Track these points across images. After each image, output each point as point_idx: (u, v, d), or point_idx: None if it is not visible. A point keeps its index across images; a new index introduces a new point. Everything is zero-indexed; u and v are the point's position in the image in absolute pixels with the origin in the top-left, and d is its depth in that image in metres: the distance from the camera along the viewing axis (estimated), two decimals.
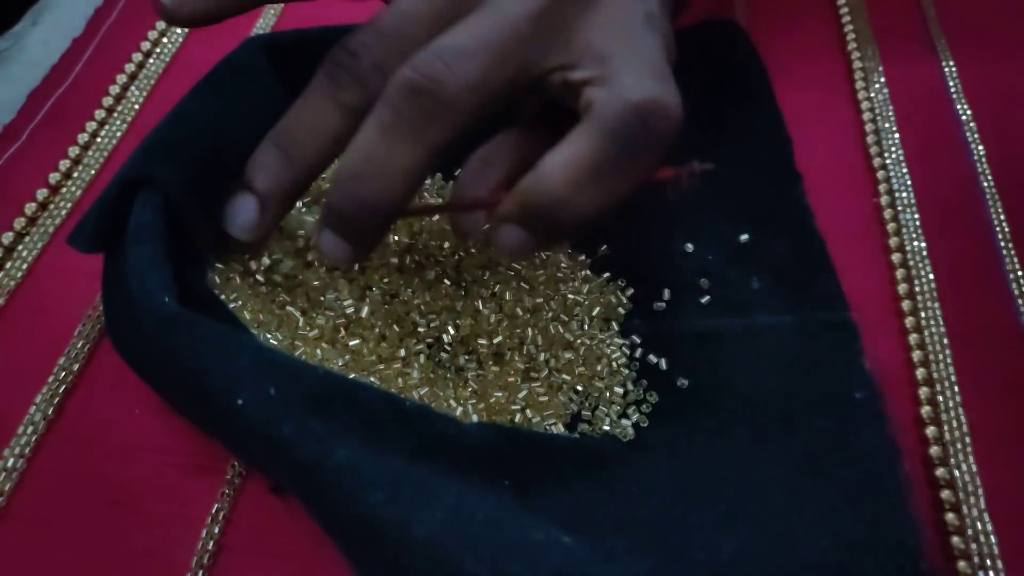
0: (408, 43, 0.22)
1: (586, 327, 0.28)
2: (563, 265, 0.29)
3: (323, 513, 0.20)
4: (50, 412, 0.26)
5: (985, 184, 0.32)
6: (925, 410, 0.26)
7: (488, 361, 0.27)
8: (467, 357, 0.27)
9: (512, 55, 0.22)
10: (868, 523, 0.22)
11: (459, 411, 0.25)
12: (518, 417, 0.26)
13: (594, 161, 0.21)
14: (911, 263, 0.30)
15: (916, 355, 0.28)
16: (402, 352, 0.26)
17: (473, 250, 0.29)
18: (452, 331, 0.27)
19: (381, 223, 0.24)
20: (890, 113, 0.35)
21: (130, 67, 0.37)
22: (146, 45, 0.38)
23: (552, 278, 0.29)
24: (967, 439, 0.26)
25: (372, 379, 0.25)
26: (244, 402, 0.19)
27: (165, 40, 0.39)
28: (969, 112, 0.34)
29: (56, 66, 0.36)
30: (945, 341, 0.28)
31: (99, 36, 0.38)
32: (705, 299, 0.28)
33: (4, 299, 0.29)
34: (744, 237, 0.30)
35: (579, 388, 0.27)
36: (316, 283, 0.26)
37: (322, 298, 0.26)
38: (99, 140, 0.34)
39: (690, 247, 0.30)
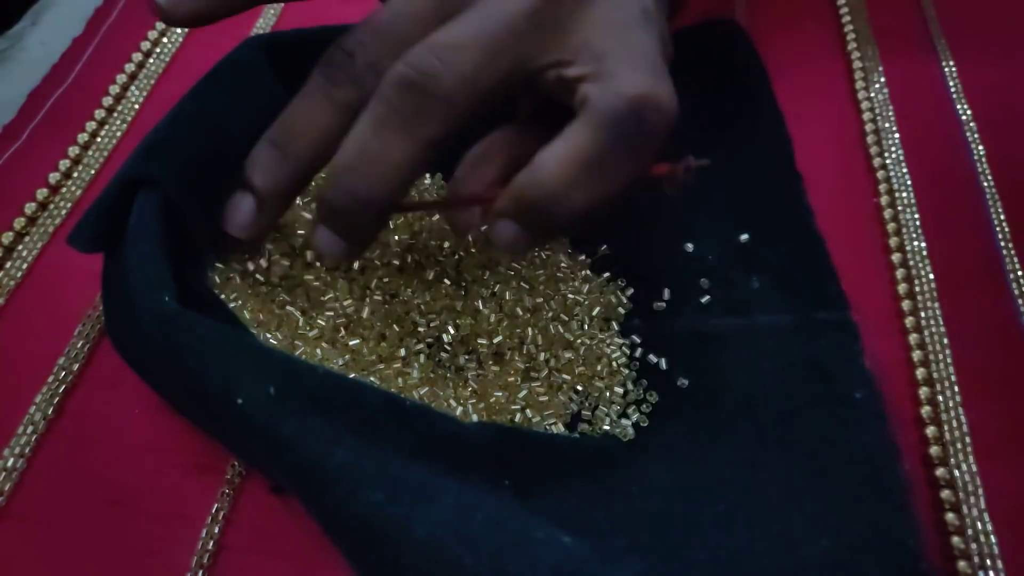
0: (403, 41, 0.22)
1: (586, 327, 0.28)
2: (563, 265, 0.29)
3: (323, 512, 0.20)
4: (50, 412, 0.26)
5: (985, 184, 0.32)
6: (925, 410, 0.26)
7: (488, 361, 0.27)
8: (467, 357, 0.27)
9: (506, 51, 0.22)
10: (868, 523, 0.22)
11: (459, 411, 0.25)
12: (518, 417, 0.26)
13: (589, 155, 0.21)
14: (911, 263, 0.30)
15: (916, 355, 0.28)
16: (402, 352, 0.26)
17: (473, 250, 0.29)
18: (452, 331, 0.27)
19: (375, 218, 0.24)
20: (890, 113, 0.35)
21: (130, 67, 0.37)
22: (146, 45, 0.38)
23: (552, 278, 0.29)
24: (967, 439, 0.26)
25: (372, 379, 0.25)
26: (244, 401, 0.19)
27: (165, 40, 0.39)
28: (969, 112, 0.34)
29: (56, 66, 0.36)
30: (945, 341, 0.28)
31: (99, 36, 0.38)
32: (705, 299, 0.28)
33: (4, 299, 0.29)
34: (744, 237, 0.30)
35: (579, 388, 0.27)
36: (316, 284, 0.26)
37: (322, 298, 0.26)
38: (99, 140, 0.34)
39: (690, 247, 0.30)
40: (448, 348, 0.27)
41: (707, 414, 0.25)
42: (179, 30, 0.39)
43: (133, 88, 0.36)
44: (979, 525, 0.24)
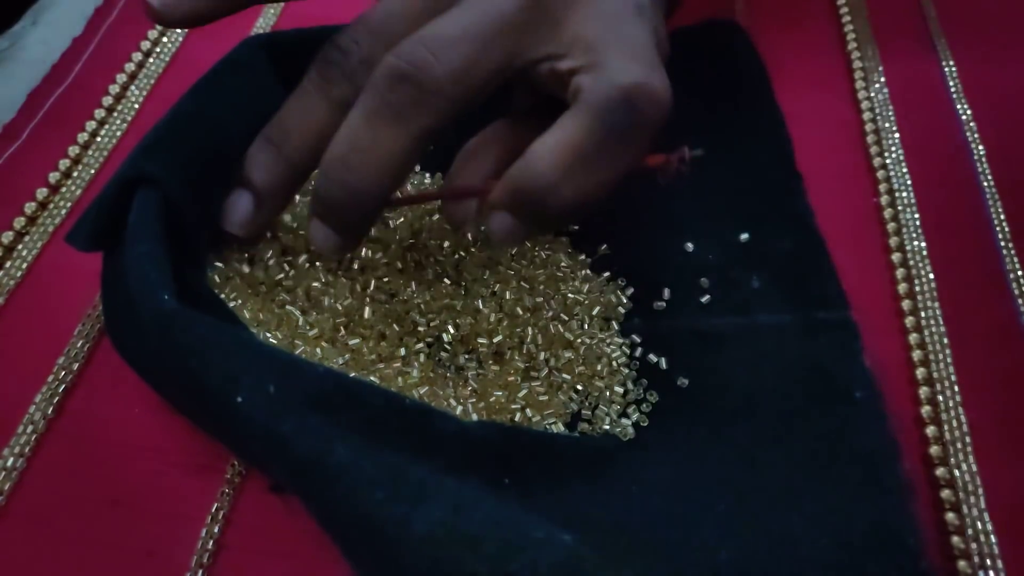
0: (397, 38, 0.22)
1: (586, 326, 0.28)
2: (563, 264, 0.29)
3: (322, 511, 0.20)
4: (50, 411, 0.26)
5: (985, 184, 0.32)
6: (925, 409, 0.26)
7: (488, 360, 0.27)
8: (467, 356, 0.27)
9: (498, 44, 0.22)
10: (868, 522, 0.22)
11: (459, 410, 0.25)
12: (518, 416, 0.26)
13: (582, 145, 0.22)
14: (911, 263, 0.30)
15: (916, 355, 0.28)
16: (402, 351, 0.26)
17: (473, 249, 0.29)
18: (452, 330, 0.27)
19: (367, 211, 0.24)
20: (890, 113, 0.35)
21: (130, 67, 0.37)
22: (146, 45, 0.38)
23: (552, 277, 0.29)
24: (967, 439, 0.26)
25: (372, 378, 0.25)
26: (243, 400, 0.19)
27: (165, 40, 0.39)
28: (969, 112, 0.34)
29: (56, 66, 0.36)
30: (945, 341, 0.28)
31: (99, 36, 0.38)
32: (705, 298, 0.28)
33: (4, 299, 0.29)
34: (744, 236, 0.30)
35: (579, 387, 0.27)
36: (316, 284, 0.26)
37: (322, 297, 0.26)
38: (99, 139, 0.34)
39: (690, 246, 0.30)
40: (448, 347, 0.27)
41: (707, 413, 0.25)
42: (179, 30, 0.39)
43: (133, 88, 0.36)
44: (979, 525, 0.24)
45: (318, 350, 0.25)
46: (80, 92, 0.36)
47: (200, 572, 0.23)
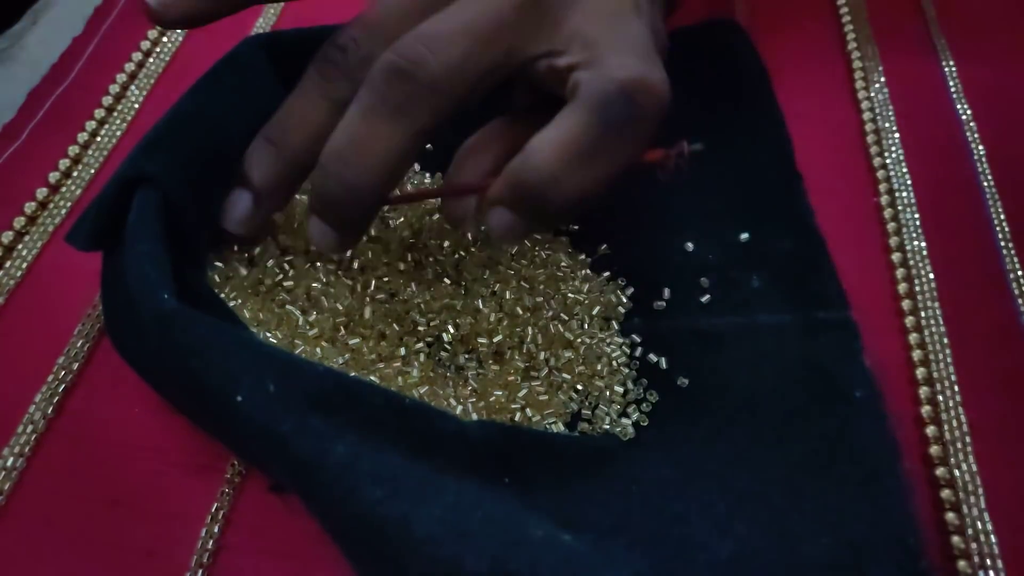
0: (395, 35, 0.22)
1: (586, 326, 0.28)
2: (563, 264, 0.29)
3: (322, 510, 0.20)
4: (50, 411, 0.26)
5: (985, 184, 0.32)
6: (925, 409, 0.26)
7: (488, 360, 0.27)
8: (467, 356, 0.27)
9: (495, 40, 0.22)
10: (868, 522, 0.22)
11: (459, 410, 0.25)
12: (518, 416, 0.25)
13: (581, 140, 0.22)
14: (911, 263, 0.30)
15: (916, 355, 0.28)
16: (402, 351, 0.26)
17: (473, 249, 0.29)
18: (452, 330, 0.27)
19: (365, 207, 0.24)
20: (890, 113, 0.35)
21: (130, 66, 0.37)
22: (146, 44, 0.38)
23: (552, 277, 0.29)
24: (967, 438, 0.26)
25: (372, 378, 0.25)
26: (243, 399, 0.19)
27: (165, 40, 0.39)
28: (969, 112, 0.34)
29: (56, 65, 0.36)
30: (945, 341, 0.28)
31: (99, 35, 0.38)
32: (705, 298, 0.28)
33: (4, 298, 0.29)
34: (744, 236, 0.30)
35: (579, 387, 0.27)
36: (316, 284, 0.26)
37: (322, 297, 0.26)
38: (99, 139, 0.34)
39: (690, 246, 0.30)
40: (448, 347, 0.27)
41: (707, 413, 0.25)
42: (179, 30, 0.39)
43: (133, 88, 0.36)
44: (979, 525, 0.24)
45: (318, 350, 0.25)
46: (80, 92, 0.36)
47: (200, 572, 0.23)
